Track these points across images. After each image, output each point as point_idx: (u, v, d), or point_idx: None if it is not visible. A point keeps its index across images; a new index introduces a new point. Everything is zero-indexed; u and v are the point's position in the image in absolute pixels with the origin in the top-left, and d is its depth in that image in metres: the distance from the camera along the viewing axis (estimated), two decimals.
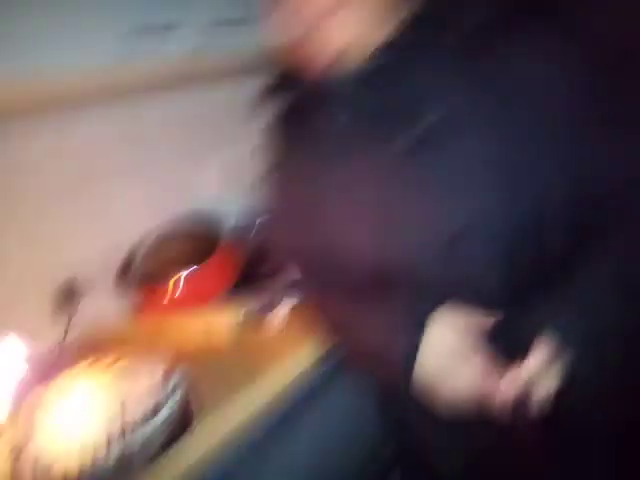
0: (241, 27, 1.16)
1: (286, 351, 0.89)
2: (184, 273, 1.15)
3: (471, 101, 0.60)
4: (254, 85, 1.43)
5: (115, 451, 0.62)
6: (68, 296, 1.17)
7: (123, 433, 0.63)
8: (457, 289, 0.64)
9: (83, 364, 0.78)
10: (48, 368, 0.77)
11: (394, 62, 0.63)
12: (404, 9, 0.64)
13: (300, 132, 0.74)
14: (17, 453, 0.62)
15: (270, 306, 1.02)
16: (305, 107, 0.73)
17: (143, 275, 1.17)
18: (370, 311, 0.69)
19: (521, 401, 0.59)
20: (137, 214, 1.32)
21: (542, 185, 0.61)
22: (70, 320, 1.14)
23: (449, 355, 0.61)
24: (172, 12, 1.04)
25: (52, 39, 0.85)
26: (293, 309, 0.99)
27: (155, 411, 0.67)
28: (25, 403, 0.69)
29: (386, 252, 0.67)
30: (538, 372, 0.59)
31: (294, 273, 0.93)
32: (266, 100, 0.80)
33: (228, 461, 0.74)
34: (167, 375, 0.72)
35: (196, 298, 1.14)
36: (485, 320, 0.63)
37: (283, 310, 0.99)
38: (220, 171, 1.50)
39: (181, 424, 0.70)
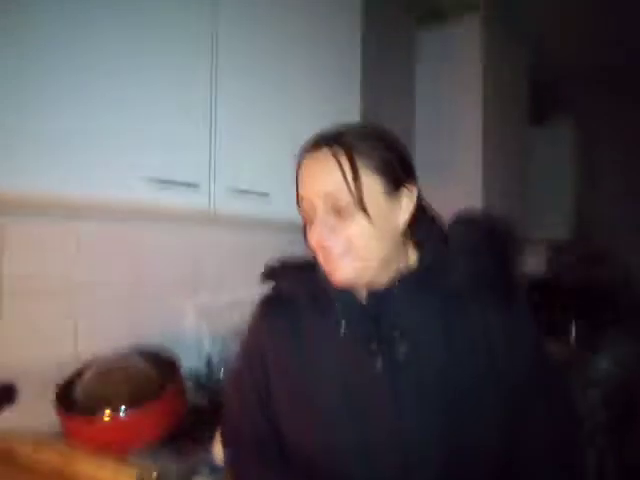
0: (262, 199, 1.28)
1: None
2: (123, 407, 1.11)
3: (434, 349, 0.76)
4: (260, 242, 1.52)
5: None
6: (2, 396, 1.14)
7: None
8: None
9: None
10: None
11: (383, 301, 0.78)
12: (400, 266, 0.80)
13: (286, 309, 0.84)
14: None
15: (190, 475, 0.96)
16: (300, 294, 0.84)
17: (82, 397, 1.13)
18: None
19: None
20: (106, 331, 1.32)
21: (468, 429, 0.74)
22: None
23: None
24: (199, 174, 1.16)
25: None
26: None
27: None
28: None
29: (337, 452, 0.75)
30: None
31: (224, 440, 0.90)
32: (273, 273, 0.88)
33: None
34: None
35: (128, 438, 1.08)
36: None
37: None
38: (196, 316, 1.53)
39: None
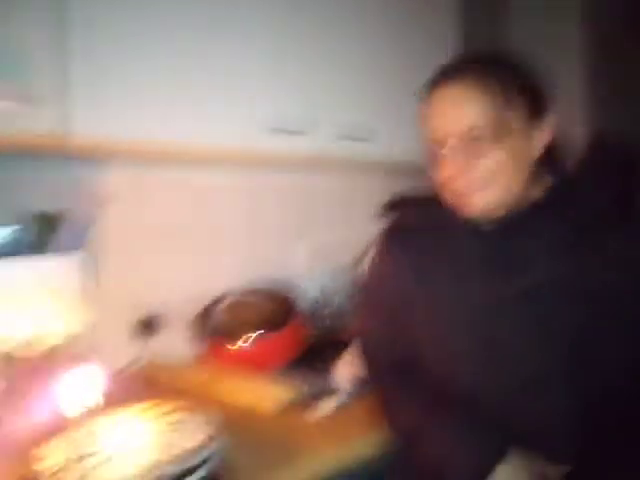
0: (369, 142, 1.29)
1: (329, 441, 0.90)
2: (253, 336, 1.22)
3: (559, 278, 0.75)
4: (366, 184, 1.54)
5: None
6: (149, 326, 1.29)
7: (158, 468, 0.68)
8: (530, 432, 0.72)
9: (140, 406, 0.84)
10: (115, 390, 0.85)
11: (512, 228, 0.78)
12: (529, 195, 0.79)
13: (412, 239, 0.86)
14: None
15: (324, 393, 1.04)
16: (426, 225, 0.86)
17: (216, 328, 1.25)
18: (449, 420, 0.76)
19: None
20: (228, 269, 1.43)
21: (614, 356, 0.73)
22: (143, 349, 1.25)
23: None
24: (307, 117, 1.18)
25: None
26: (345, 402, 1.01)
27: (190, 471, 0.71)
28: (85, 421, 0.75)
29: (475, 377, 0.77)
30: None
31: (363, 362, 0.97)
32: (394, 203, 0.90)
33: None
34: (209, 439, 0.76)
35: (259, 363, 1.19)
36: (548, 472, 0.70)
37: (335, 400, 1.01)
38: (314, 250, 1.60)
39: None
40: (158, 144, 1.03)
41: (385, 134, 1.34)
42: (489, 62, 0.77)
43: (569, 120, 0.91)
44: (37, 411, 0.93)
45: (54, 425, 0.80)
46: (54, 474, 0.68)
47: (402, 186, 1.32)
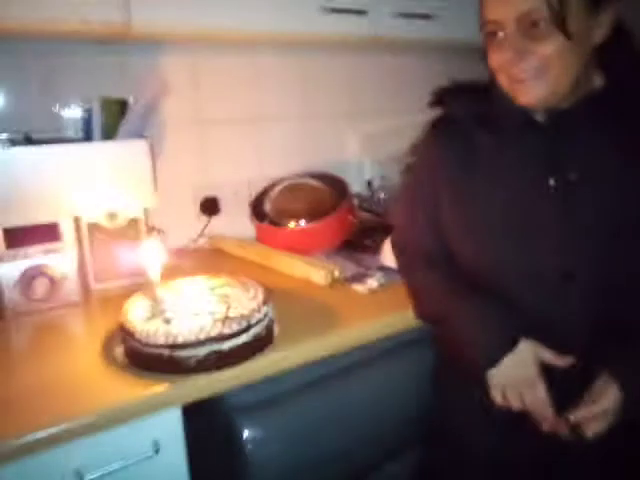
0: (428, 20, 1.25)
1: (368, 310, 1.01)
2: (304, 220, 1.30)
3: (610, 173, 0.76)
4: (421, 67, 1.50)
5: (211, 333, 0.79)
6: (209, 208, 1.41)
7: (223, 322, 0.81)
8: (549, 320, 0.78)
9: (205, 276, 0.97)
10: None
11: (564, 122, 0.78)
12: (585, 88, 0.78)
13: (457, 131, 0.87)
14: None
15: (365, 275, 1.14)
16: (473, 116, 0.85)
17: (269, 211, 1.35)
18: (469, 308, 0.83)
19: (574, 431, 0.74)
20: (283, 156, 1.50)
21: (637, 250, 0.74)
22: (206, 225, 1.38)
23: (521, 377, 0.78)
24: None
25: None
26: (388, 280, 1.10)
27: (247, 317, 0.83)
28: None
29: (504, 262, 0.81)
30: (598, 414, 0.73)
31: (396, 251, 1.04)
32: (446, 95, 0.90)
33: (291, 384, 0.90)
34: (265, 299, 0.88)
35: (308, 245, 1.29)
36: (559, 360, 0.78)
37: (375, 281, 1.11)
38: (363, 139, 1.63)
39: (263, 338, 0.86)
40: (215, 30, 1.05)
41: (446, 12, 1.29)
42: None
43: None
44: (121, 273, 1.09)
45: (135, 285, 0.94)
46: (141, 322, 0.82)
47: (460, 69, 1.28)
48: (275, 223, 1.32)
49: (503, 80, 0.78)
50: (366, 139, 1.64)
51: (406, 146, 1.54)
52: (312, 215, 1.31)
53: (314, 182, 1.40)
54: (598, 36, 0.74)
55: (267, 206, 1.37)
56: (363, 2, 1.16)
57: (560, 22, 0.70)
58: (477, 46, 0.83)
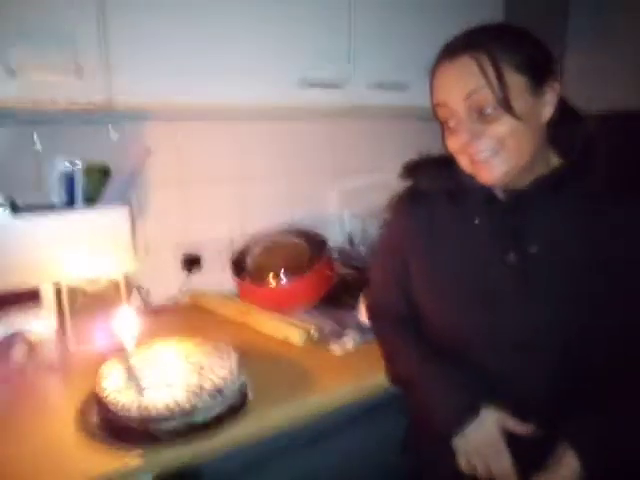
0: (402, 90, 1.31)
1: (343, 371, 1.03)
2: (284, 277, 1.33)
3: (566, 247, 0.79)
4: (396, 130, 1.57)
5: (184, 405, 0.81)
6: (190, 263, 1.44)
7: (196, 394, 0.83)
8: (511, 391, 0.81)
9: (177, 339, 0.99)
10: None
11: (523, 200, 0.82)
12: (541, 166, 0.82)
13: (425, 203, 0.92)
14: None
15: (341, 333, 1.16)
16: (440, 189, 0.90)
17: (249, 269, 1.38)
18: (434, 374, 0.86)
19: None
20: (265, 212, 1.54)
21: (594, 319, 0.77)
22: (186, 282, 1.41)
23: (485, 444, 0.80)
24: (340, 71, 1.22)
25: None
26: (358, 343, 1.13)
27: (220, 388, 0.85)
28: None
29: (470, 335, 0.85)
30: None
31: (369, 314, 1.07)
32: (416, 166, 0.95)
33: (264, 447, 0.91)
34: (239, 362, 0.91)
35: (288, 301, 1.32)
36: (520, 427, 0.80)
37: (351, 340, 1.13)
38: (346, 194, 1.68)
39: (237, 406, 0.87)
40: (195, 104, 1.11)
41: (420, 82, 1.35)
42: (488, 32, 0.77)
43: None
44: (99, 336, 1.10)
45: (112, 349, 0.96)
46: (115, 391, 0.84)
47: (433, 132, 1.34)
48: (255, 280, 1.35)
49: (463, 161, 0.82)
50: (346, 194, 1.69)
51: (383, 201, 1.60)
52: (291, 271, 1.34)
53: (293, 239, 1.43)
54: (546, 114, 0.79)
55: (248, 263, 1.40)
56: (339, 75, 1.22)
57: (506, 105, 0.74)
58: None
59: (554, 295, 0.79)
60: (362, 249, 1.60)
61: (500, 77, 0.74)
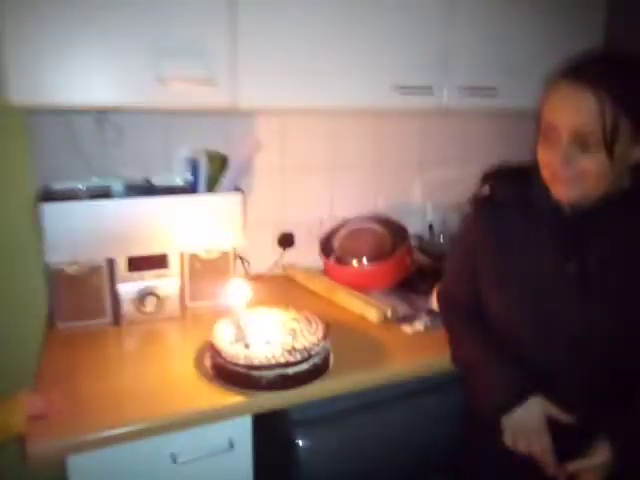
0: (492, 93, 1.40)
1: (411, 349, 1.19)
2: (366, 260, 1.50)
3: (621, 258, 0.90)
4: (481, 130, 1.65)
5: (280, 360, 1.01)
6: (285, 241, 1.64)
7: (290, 352, 1.02)
8: (557, 384, 0.93)
9: (274, 304, 1.20)
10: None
11: (587, 216, 0.91)
12: (613, 189, 0.89)
13: (499, 211, 1.02)
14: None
15: (414, 316, 1.32)
16: (514, 200, 1.00)
17: (338, 248, 1.56)
18: (492, 361, 0.99)
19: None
20: (353, 200, 1.71)
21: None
22: (282, 256, 1.61)
23: (529, 426, 0.93)
24: (432, 77, 1.34)
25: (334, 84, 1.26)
26: (428, 327, 1.28)
27: (309, 350, 1.04)
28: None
29: (526, 332, 0.97)
30: (594, 468, 0.87)
31: (441, 301, 1.21)
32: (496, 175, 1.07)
33: (341, 406, 1.10)
34: (324, 335, 1.09)
35: (368, 282, 1.48)
36: (563, 416, 0.92)
37: (421, 323, 1.28)
38: (422, 190, 1.80)
39: (321, 367, 1.06)
40: (302, 106, 1.28)
41: (509, 85, 1.43)
42: (612, 66, 0.84)
43: None
44: (212, 296, 1.34)
45: (221, 307, 1.18)
46: (226, 343, 1.06)
47: (519, 129, 1.42)
48: (340, 260, 1.53)
49: (546, 174, 0.91)
50: (429, 186, 1.80)
51: (465, 195, 1.70)
52: (373, 256, 1.50)
53: (377, 226, 1.59)
54: (635, 158, 0.86)
55: (335, 244, 1.58)
56: (430, 81, 1.34)
57: (609, 145, 0.81)
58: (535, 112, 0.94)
59: (606, 303, 0.90)
60: (441, 239, 1.72)
61: (615, 123, 0.80)
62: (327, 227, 1.64)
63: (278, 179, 1.61)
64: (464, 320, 1.08)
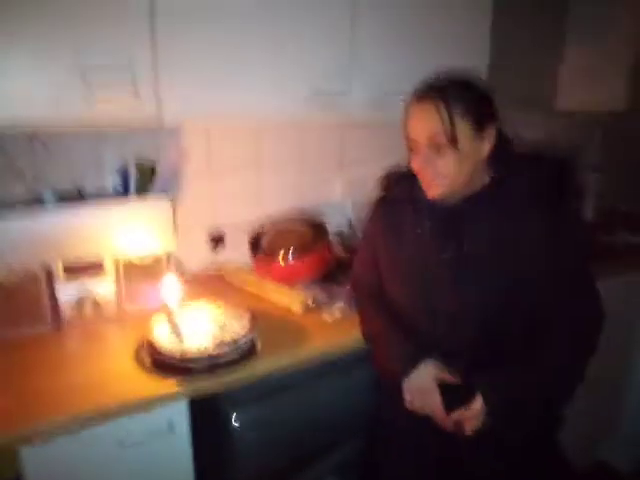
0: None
1: (330, 333, 1.36)
2: (291, 254, 1.65)
3: (491, 245, 1.08)
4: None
5: (211, 351, 1.14)
6: (216, 241, 1.76)
7: (219, 343, 1.16)
8: (443, 347, 1.12)
9: (206, 300, 1.32)
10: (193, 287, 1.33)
11: (457, 210, 1.11)
12: (477, 184, 1.10)
13: (393, 207, 1.22)
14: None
15: (331, 302, 1.48)
16: (404, 198, 1.20)
17: (263, 248, 1.70)
18: (392, 334, 1.18)
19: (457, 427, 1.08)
20: (277, 198, 1.85)
21: (506, 299, 1.09)
22: (214, 256, 1.74)
23: (423, 388, 1.11)
24: (344, 82, 1.49)
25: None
26: (345, 310, 1.45)
27: (237, 340, 1.18)
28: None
29: (415, 307, 1.17)
30: (472, 415, 1.06)
31: (352, 286, 1.39)
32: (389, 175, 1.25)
33: (268, 386, 1.25)
34: (251, 322, 1.24)
35: (293, 276, 1.63)
36: (449, 375, 1.11)
37: (339, 308, 1.45)
38: (346, 186, 1.97)
39: (248, 353, 1.21)
40: (223, 114, 1.40)
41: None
42: (452, 87, 1.04)
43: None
44: (147, 298, 1.44)
45: (157, 308, 1.29)
46: (162, 338, 1.18)
47: None
48: (267, 257, 1.67)
49: (419, 177, 1.12)
50: (349, 184, 1.98)
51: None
52: (296, 252, 1.65)
53: (300, 224, 1.74)
54: (485, 149, 1.07)
55: (262, 242, 1.72)
56: (339, 90, 1.50)
57: (453, 143, 1.03)
58: None
59: (477, 282, 1.09)
60: (359, 234, 1.90)
61: (451, 124, 1.02)
62: (255, 226, 1.77)
63: (207, 184, 1.72)
64: (370, 298, 1.27)
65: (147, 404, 1.10)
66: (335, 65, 1.49)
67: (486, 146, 1.07)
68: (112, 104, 1.21)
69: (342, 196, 1.99)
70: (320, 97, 1.46)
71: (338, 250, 1.81)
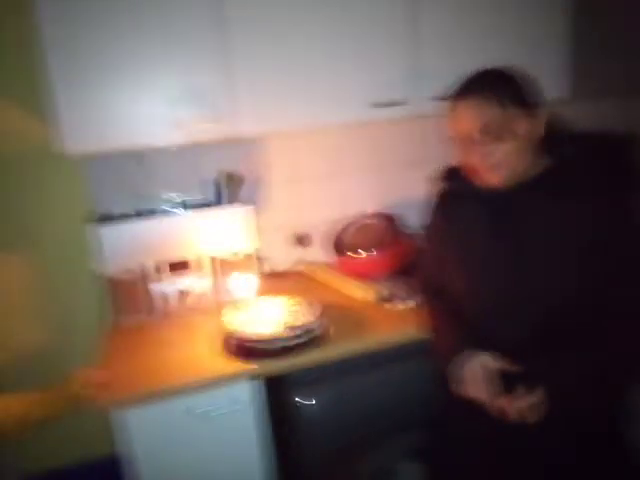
0: None
1: (401, 324, 1.43)
2: (369, 250, 1.74)
3: (548, 232, 1.08)
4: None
5: (282, 335, 1.28)
6: (301, 241, 1.91)
7: (290, 329, 1.30)
8: (498, 340, 1.13)
9: (286, 293, 1.47)
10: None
11: (517, 196, 1.11)
12: (535, 169, 1.11)
13: (452, 206, 1.26)
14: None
15: (401, 297, 1.55)
16: (462, 194, 1.23)
17: (344, 245, 1.81)
18: (448, 328, 1.22)
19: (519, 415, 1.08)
20: (355, 202, 1.96)
21: (568, 286, 1.08)
22: (299, 254, 1.89)
23: (478, 376, 1.12)
24: (399, 92, 1.57)
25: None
26: (412, 305, 1.50)
27: (310, 328, 1.31)
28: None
29: (474, 299, 1.19)
30: (527, 406, 1.06)
31: (419, 284, 1.44)
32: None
33: (336, 370, 1.36)
34: (321, 311, 1.36)
35: (370, 271, 1.73)
36: (504, 366, 1.11)
37: (407, 303, 1.51)
38: (422, 185, 2.00)
39: (320, 340, 1.33)
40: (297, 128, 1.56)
41: None
42: (494, 78, 1.08)
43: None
44: (237, 291, 1.63)
45: (243, 299, 1.47)
46: (241, 325, 1.34)
47: None
48: (347, 254, 1.78)
49: (475, 172, 1.13)
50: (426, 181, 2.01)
51: None
52: (377, 247, 1.74)
53: (379, 221, 1.83)
54: (538, 130, 1.08)
55: (344, 240, 1.83)
56: (401, 95, 1.57)
57: (508, 129, 1.05)
58: None
59: (535, 269, 1.09)
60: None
61: (505, 111, 1.04)
62: (337, 226, 1.89)
63: (291, 190, 1.88)
64: (431, 295, 1.31)
65: (229, 380, 1.28)
66: (399, 69, 1.56)
67: (539, 127, 1.08)
68: (200, 125, 1.41)
69: (421, 194, 2.02)
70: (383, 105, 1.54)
71: (417, 245, 1.85)
